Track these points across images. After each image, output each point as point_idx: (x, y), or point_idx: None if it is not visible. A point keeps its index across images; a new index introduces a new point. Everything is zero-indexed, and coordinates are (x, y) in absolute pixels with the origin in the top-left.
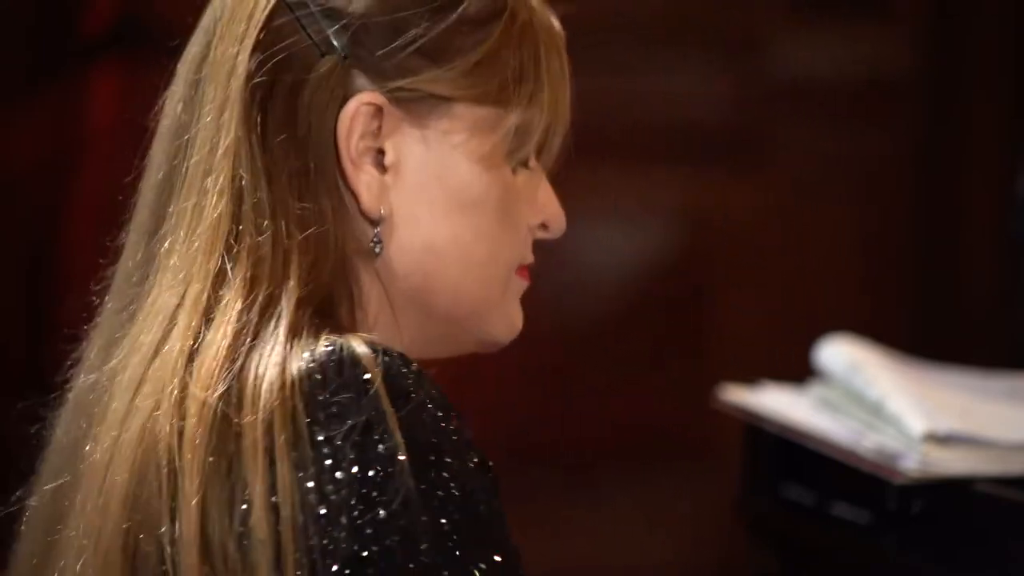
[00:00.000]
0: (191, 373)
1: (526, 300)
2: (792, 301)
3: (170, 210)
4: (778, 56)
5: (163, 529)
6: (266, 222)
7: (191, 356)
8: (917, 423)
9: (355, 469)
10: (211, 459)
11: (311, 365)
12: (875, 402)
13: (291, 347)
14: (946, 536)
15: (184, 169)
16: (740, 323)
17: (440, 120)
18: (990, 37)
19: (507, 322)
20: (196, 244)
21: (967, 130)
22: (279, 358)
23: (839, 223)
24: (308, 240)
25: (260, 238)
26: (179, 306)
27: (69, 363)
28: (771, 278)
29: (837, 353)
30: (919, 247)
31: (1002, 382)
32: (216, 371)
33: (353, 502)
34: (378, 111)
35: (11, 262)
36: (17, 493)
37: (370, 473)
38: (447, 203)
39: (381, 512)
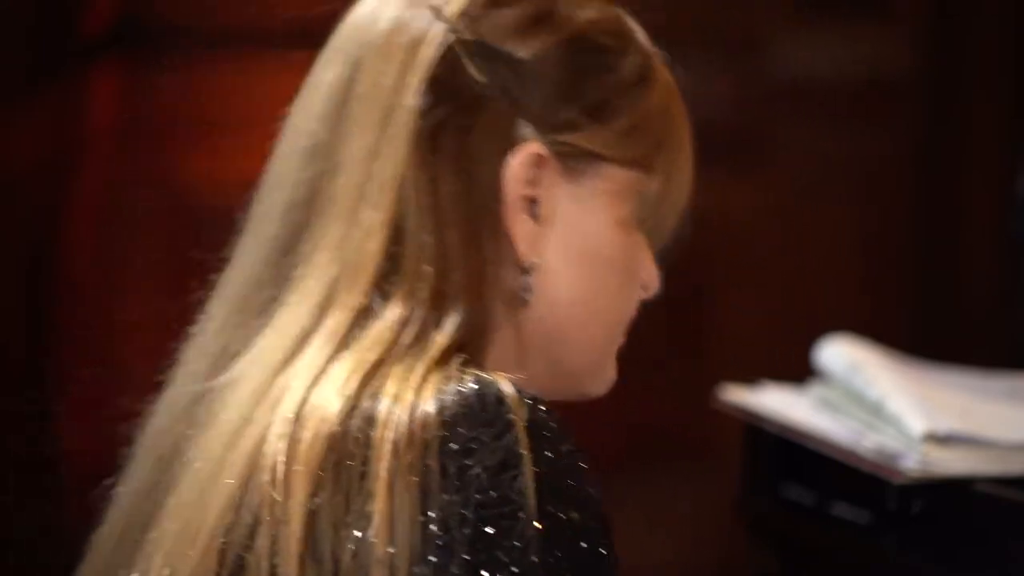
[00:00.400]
0: (318, 392)
1: None
2: (792, 301)
3: (308, 233)
4: (778, 56)
5: (264, 537)
6: (427, 267)
7: (320, 378)
8: (917, 423)
9: (481, 507)
10: (327, 472)
11: (455, 398)
12: (875, 402)
13: (434, 380)
14: (946, 536)
15: (329, 193)
16: (740, 323)
17: (592, 179)
18: (990, 37)
19: (607, 376)
20: (340, 274)
21: (967, 130)
22: (420, 387)
23: (839, 223)
24: (469, 287)
25: (419, 283)
26: (314, 331)
27: (164, 367)
28: (771, 278)
29: (837, 353)
30: (919, 247)
31: (1002, 382)
32: (346, 393)
33: (473, 539)
34: (540, 162)
35: (11, 262)
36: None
37: (495, 513)
38: (588, 259)
39: (500, 555)
